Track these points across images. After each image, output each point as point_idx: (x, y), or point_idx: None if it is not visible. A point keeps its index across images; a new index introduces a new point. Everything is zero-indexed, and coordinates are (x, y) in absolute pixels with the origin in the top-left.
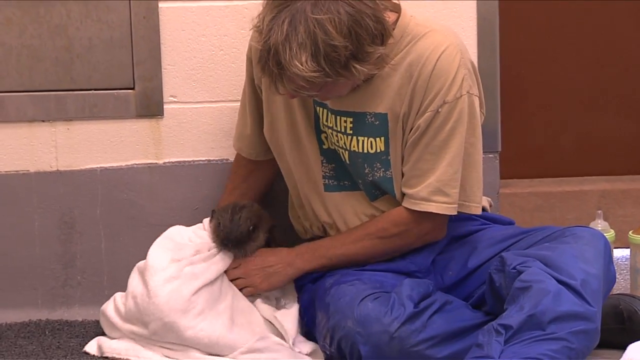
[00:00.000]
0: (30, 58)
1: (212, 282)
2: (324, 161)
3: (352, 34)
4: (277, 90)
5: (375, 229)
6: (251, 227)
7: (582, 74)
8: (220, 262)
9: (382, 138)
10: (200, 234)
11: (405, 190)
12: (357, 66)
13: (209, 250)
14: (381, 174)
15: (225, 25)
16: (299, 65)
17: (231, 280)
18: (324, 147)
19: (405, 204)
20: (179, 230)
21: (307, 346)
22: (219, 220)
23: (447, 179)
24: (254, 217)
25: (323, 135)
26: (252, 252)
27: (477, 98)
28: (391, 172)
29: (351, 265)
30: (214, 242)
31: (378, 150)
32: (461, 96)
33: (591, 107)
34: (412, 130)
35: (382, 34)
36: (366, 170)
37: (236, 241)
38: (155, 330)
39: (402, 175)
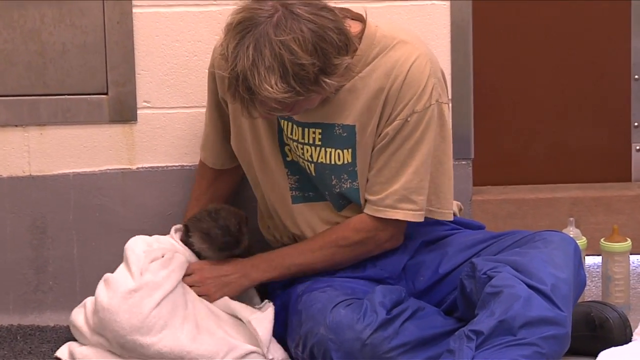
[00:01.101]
0: (3, 62)
1: (174, 290)
2: (289, 173)
3: (317, 50)
4: (249, 114)
5: (335, 236)
6: (238, 225)
7: (555, 82)
8: (179, 269)
9: (350, 150)
10: (161, 239)
11: (368, 196)
12: (327, 80)
13: (162, 256)
14: (348, 185)
15: (199, 31)
16: (269, 89)
17: None
18: (288, 159)
19: (368, 210)
20: (139, 240)
21: (280, 352)
22: (204, 229)
23: (414, 187)
24: (234, 215)
25: (287, 148)
26: (245, 250)
27: (446, 105)
28: (357, 183)
29: (310, 274)
30: (205, 253)
31: (345, 162)
32: (430, 105)
33: (564, 115)
34: (380, 138)
35: (346, 44)
36: (333, 182)
37: (235, 242)
38: (120, 345)
39: (368, 181)
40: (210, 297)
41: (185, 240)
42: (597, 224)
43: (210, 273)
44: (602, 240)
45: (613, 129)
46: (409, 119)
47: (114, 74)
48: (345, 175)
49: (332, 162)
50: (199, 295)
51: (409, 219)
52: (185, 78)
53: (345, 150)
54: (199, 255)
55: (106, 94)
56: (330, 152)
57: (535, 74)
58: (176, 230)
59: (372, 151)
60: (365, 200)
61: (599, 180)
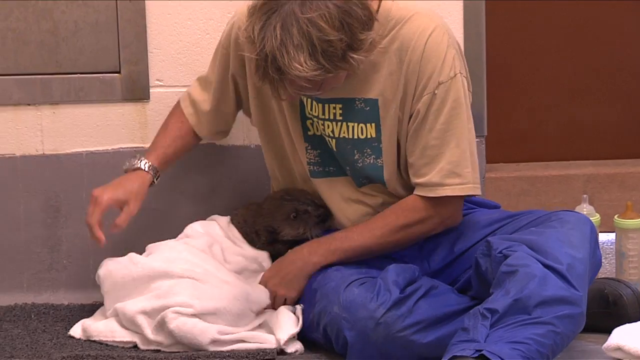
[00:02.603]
0: (16, 41)
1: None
2: (309, 147)
3: (344, 26)
4: (279, 95)
5: (394, 218)
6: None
7: (568, 59)
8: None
9: (373, 124)
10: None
11: (417, 180)
12: (355, 56)
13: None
14: (371, 161)
15: (211, 9)
16: (299, 67)
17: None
18: (309, 133)
19: (419, 192)
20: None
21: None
22: (289, 215)
23: (457, 160)
24: (300, 190)
25: (309, 122)
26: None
27: (465, 79)
28: (382, 161)
29: (367, 257)
30: (304, 233)
31: (369, 136)
32: (455, 75)
33: (577, 92)
34: (412, 117)
35: (370, 19)
36: (356, 157)
37: (328, 209)
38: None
39: (410, 167)
40: (289, 298)
41: (272, 242)
42: (611, 200)
43: (273, 281)
44: (615, 217)
45: (626, 105)
46: (435, 91)
47: (127, 52)
48: (368, 150)
49: (356, 137)
50: (283, 303)
51: (458, 193)
52: (198, 56)
53: (368, 125)
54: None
55: (119, 72)
56: (353, 127)
57: (548, 51)
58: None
59: (407, 134)
60: (415, 184)
61: (613, 157)
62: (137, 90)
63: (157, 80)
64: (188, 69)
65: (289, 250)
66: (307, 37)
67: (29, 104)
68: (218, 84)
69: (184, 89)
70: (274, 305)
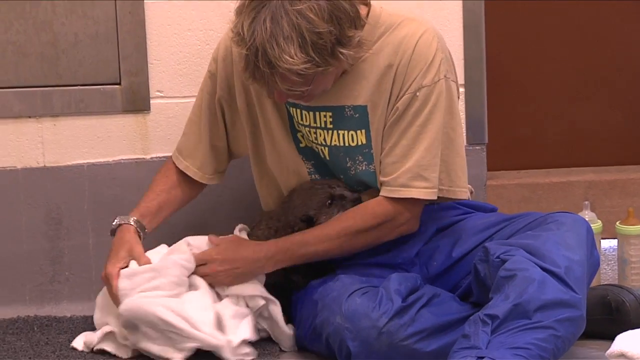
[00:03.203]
0: (16, 54)
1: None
2: (304, 159)
3: (333, 19)
4: (269, 92)
5: (352, 222)
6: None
7: (569, 65)
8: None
9: (363, 131)
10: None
11: (382, 178)
12: (343, 51)
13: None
14: (363, 168)
15: (211, 19)
16: (289, 59)
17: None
18: (301, 145)
19: (383, 192)
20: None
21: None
22: (323, 202)
23: (426, 164)
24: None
25: (299, 134)
26: None
27: (454, 83)
28: (373, 167)
29: (326, 259)
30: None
31: (359, 143)
32: (439, 80)
33: (578, 98)
34: (390, 114)
35: (357, 17)
36: (348, 164)
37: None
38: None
39: (380, 163)
40: (215, 280)
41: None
42: (613, 207)
43: (221, 266)
44: (617, 223)
45: (627, 111)
46: (417, 93)
47: (127, 64)
48: (360, 157)
49: (346, 144)
50: (211, 285)
51: (423, 197)
52: (198, 67)
53: (359, 131)
54: None
55: (119, 84)
56: (344, 134)
57: (548, 58)
58: (240, 230)
59: (383, 130)
60: (380, 183)
61: (614, 163)
62: (137, 102)
63: (158, 91)
64: (188, 79)
65: (243, 242)
66: (297, 29)
67: (29, 117)
68: (207, 118)
69: (185, 100)
70: (199, 273)
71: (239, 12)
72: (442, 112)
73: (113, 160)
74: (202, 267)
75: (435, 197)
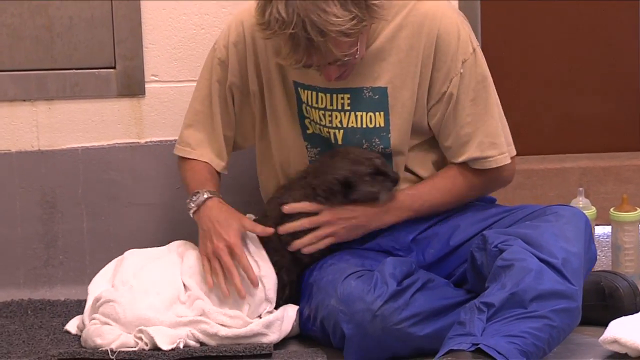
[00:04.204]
0: (11, 37)
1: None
2: (308, 146)
3: None
4: (322, 68)
5: (462, 179)
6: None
7: (563, 51)
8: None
9: (382, 113)
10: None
11: (457, 160)
12: (375, 2)
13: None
14: (379, 150)
15: (206, 4)
16: (336, 20)
17: (308, 230)
18: (308, 132)
19: (473, 165)
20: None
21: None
22: (370, 172)
23: (494, 131)
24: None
25: (307, 121)
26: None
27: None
28: (390, 150)
29: (432, 214)
30: (375, 195)
31: (377, 125)
32: (474, 50)
33: (572, 85)
34: (444, 102)
35: None
36: (364, 146)
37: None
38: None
39: (447, 150)
40: (337, 237)
41: (341, 196)
42: (607, 193)
43: (342, 214)
44: (611, 209)
45: (622, 97)
46: (461, 70)
47: (122, 47)
48: (377, 140)
49: (364, 126)
50: (326, 236)
51: (499, 164)
52: (193, 51)
53: (377, 113)
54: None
55: (114, 68)
56: (362, 116)
57: (542, 44)
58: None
59: (434, 120)
60: (457, 165)
61: (608, 149)
62: (132, 86)
63: (153, 75)
64: (183, 64)
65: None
66: None
67: (24, 100)
68: (219, 107)
69: (179, 84)
70: (317, 233)
71: (264, 3)
72: (489, 78)
73: (108, 144)
74: (320, 215)
75: (509, 159)
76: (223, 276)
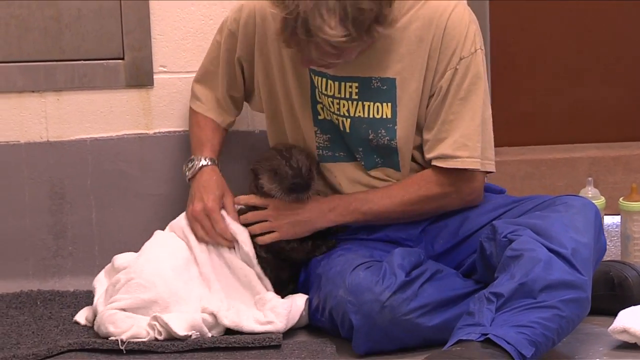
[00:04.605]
0: (19, 28)
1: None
2: (318, 132)
3: None
4: (302, 60)
5: (416, 188)
6: (309, 167)
7: (572, 41)
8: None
9: (389, 104)
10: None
11: (429, 155)
12: (378, 29)
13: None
14: (385, 142)
15: None
16: (329, 31)
17: (252, 224)
18: (320, 117)
19: (438, 163)
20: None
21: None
22: (274, 166)
23: (470, 133)
24: (306, 156)
25: (319, 106)
26: (312, 194)
27: (484, 55)
28: (396, 142)
29: (383, 223)
30: (274, 193)
31: (384, 116)
32: (476, 51)
33: (581, 74)
34: (435, 95)
35: None
36: (370, 136)
37: (305, 185)
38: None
39: (425, 143)
40: (281, 233)
41: (254, 186)
42: (616, 183)
43: (285, 209)
44: (620, 199)
45: (631, 87)
46: (457, 66)
47: (130, 38)
48: (383, 131)
49: (371, 116)
50: (268, 230)
51: (465, 167)
52: (201, 42)
53: (384, 104)
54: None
55: (122, 58)
56: (369, 106)
57: (552, 33)
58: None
59: (427, 110)
60: (430, 160)
61: (617, 139)
62: (140, 77)
63: (161, 66)
64: (192, 54)
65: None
66: (341, 2)
67: (33, 91)
68: (226, 71)
69: (188, 75)
70: (255, 230)
71: None
72: (483, 82)
73: (116, 135)
74: (265, 210)
75: (478, 167)
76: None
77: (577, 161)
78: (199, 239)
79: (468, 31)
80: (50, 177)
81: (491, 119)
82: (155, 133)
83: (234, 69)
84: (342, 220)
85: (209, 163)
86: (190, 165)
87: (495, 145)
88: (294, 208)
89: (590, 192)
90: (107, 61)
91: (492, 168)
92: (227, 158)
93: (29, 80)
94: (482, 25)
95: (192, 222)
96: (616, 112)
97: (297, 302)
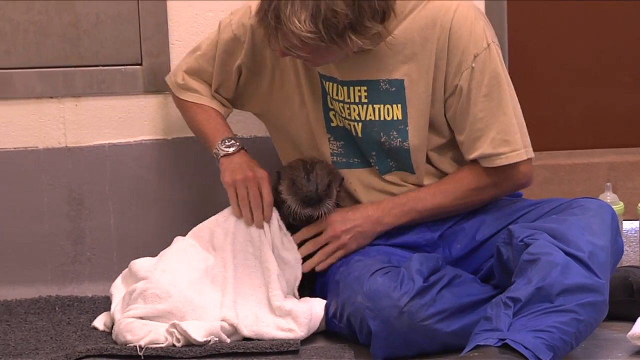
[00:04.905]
0: (38, 34)
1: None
2: (331, 139)
3: (355, 4)
4: (269, 44)
5: (468, 180)
6: (328, 184)
7: (591, 46)
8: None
9: (399, 105)
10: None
11: (470, 156)
12: (353, 37)
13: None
14: (397, 144)
15: (232, 2)
16: (297, 23)
17: (317, 250)
18: (332, 124)
19: (483, 164)
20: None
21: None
22: (293, 179)
23: (506, 128)
24: (328, 173)
25: (331, 113)
26: (328, 211)
27: (499, 47)
28: (408, 144)
29: (440, 217)
30: (289, 202)
31: (395, 118)
32: (489, 45)
33: (600, 79)
34: (455, 95)
35: (384, 11)
36: (382, 139)
37: (317, 200)
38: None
39: (461, 144)
40: (346, 248)
41: (274, 188)
42: (635, 188)
43: (343, 225)
44: (639, 205)
45: None
46: (473, 64)
47: (148, 44)
48: (394, 132)
49: (382, 118)
50: (336, 250)
51: (511, 161)
52: None
53: (394, 106)
54: (281, 205)
55: (140, 64)
56: (379, 108)
57: (571, 38)
58: None
59: (448, 114)
60: (470, 161)
61: (636, 144)
62: (158, 82)
63: None
64: None
65: (357, 205)
66: (317, 0)
67: (51, 97)
68: (219, 70)
69: None
70: (325, 249)
71: None
72: (504, 74)
73: (134, 141)
74: (324, 234)
75: (526, 156)
76: (248, 206)
77: (595, 166)
78: (241, 201)
79: (475, 28)
80: (69, 182)
81: (519, 106)
82: (173, 139)
83: (231, 74)
84: (400, 221)
85: (243, 148)
86: (229, 143)
87: None
88: (350, 224)
89: (609, 197)
90: (125, 67)
91: (532, 154)
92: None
93: (47, 86)
94: (500, 27)
95: (240, 188)
96: (635, 117)
97: (317, 310)
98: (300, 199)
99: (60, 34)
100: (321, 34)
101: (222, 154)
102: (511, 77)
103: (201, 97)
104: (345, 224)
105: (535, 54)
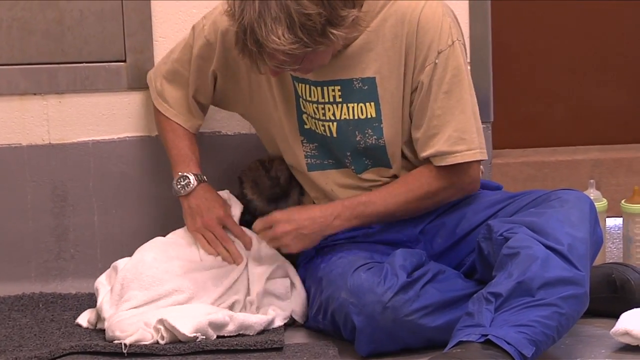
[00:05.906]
0: (21, 31)
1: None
2: (304, 141)
3: (323, 1)
4: (258, 69)
5: (418, 185)
6: (289, 175)
7: (574, 43)
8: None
9: (372, 103)
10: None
11: (424, 153)
12: (334, 31)
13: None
14: (373, 142)
15: None
16: (277, 40)
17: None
18: (305, 127)
19: (435, 163)
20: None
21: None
22: (255, 177)
23: (463, 127)
24: (287, 167)
25: (304, 116)
26: (294, 203)
27: (463, 46)
28: (384, 141)
29: (386, 221)
30: (256, 203)
31: (369, 116)
32: (453, 43)
33: (583, 76)
34: (417, 91)
35: None
36: (357, 138)
37: (282, 194)
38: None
39: (416, 142)
40: (290, 249)
41: (240, 193)
42: (618, 185)
43: (285, 226)
44: (622, 201)
45: (633, 89)
46: (436, 61)
47: (132, 41)
48: (370, 131)
49: (356, 117)
50: (278, 248)
51: (466, 160)
52: None
53: (367, 104)
54: (249, 206)
55: (124, 61)
56: (353, 107)
57: (555, 35)
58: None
59: (410, 109)
60: (423, 158)
61: (620, 141)
62: (142, 79)
63: None
64: None
65: (307, 206)
66: (285, 10)
67: (35, 94)
68: (195, 76)
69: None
70: (265, 237)
71: None
72: (466, 73)
73: (118, 138)
74: (267, 231)
75: (478, 158)
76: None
77: (579, 163)
78: (211, 243)
79: (443, 25)
80: (52, 179)
81: (477, 107)
82: (157, 135)
83: (206, 79)
84: (348, 225)
85: (203, 180)
86: (184, 183)
87: (497, 148)
88: (296, 225)
89: (592, 194)
90: (109, 64)
91: (485, 156)
92: (206, 161)
93: (31, 82)
94: (484, 26)
95: (205, 233)
96: (619, 114)
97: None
98: (266, 197)
99: (44, 30)
100: (304, 41)
101: (179, 195)
102: (494, 73)
103: (168, 109)
104: (288, 225)
105: (519, 52)
